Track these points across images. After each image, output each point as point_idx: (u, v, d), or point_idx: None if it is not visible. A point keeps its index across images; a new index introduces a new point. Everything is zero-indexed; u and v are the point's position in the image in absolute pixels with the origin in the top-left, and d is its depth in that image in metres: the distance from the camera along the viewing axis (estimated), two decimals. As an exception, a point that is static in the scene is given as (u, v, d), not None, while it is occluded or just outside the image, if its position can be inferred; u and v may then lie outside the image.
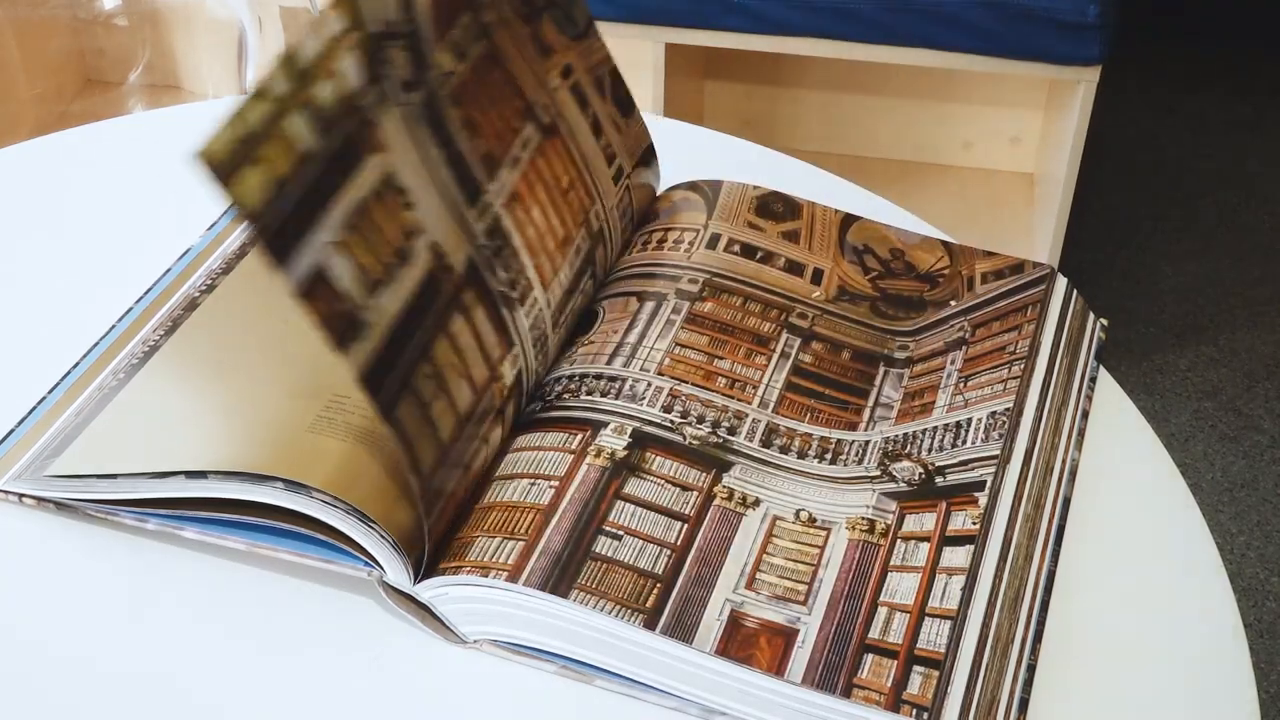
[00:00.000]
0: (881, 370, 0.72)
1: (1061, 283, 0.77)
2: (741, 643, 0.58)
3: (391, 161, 0.57)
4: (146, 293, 0.77)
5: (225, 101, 1.05)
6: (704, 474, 0.65)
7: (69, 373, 0.72)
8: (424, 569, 0.61)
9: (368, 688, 0.60)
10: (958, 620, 0.59)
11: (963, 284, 0.77)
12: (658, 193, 0.84)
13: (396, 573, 0.61)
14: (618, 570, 0.60)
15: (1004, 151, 1.91)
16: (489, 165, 0.63)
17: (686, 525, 0.63)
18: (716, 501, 0.64)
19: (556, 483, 0.63)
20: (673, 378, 0.69)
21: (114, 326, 0.75)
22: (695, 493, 0.64)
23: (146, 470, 0.63)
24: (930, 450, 0.67)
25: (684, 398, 0.68)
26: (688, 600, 0.59)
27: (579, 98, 0.74)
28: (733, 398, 0.69)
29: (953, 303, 0.76)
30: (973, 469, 0.65)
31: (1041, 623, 0.62)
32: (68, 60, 1.83)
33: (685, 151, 0.87)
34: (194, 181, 0.87)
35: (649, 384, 0.69)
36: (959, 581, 0.61)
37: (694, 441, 0.66)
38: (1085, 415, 0.72)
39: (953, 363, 0.72)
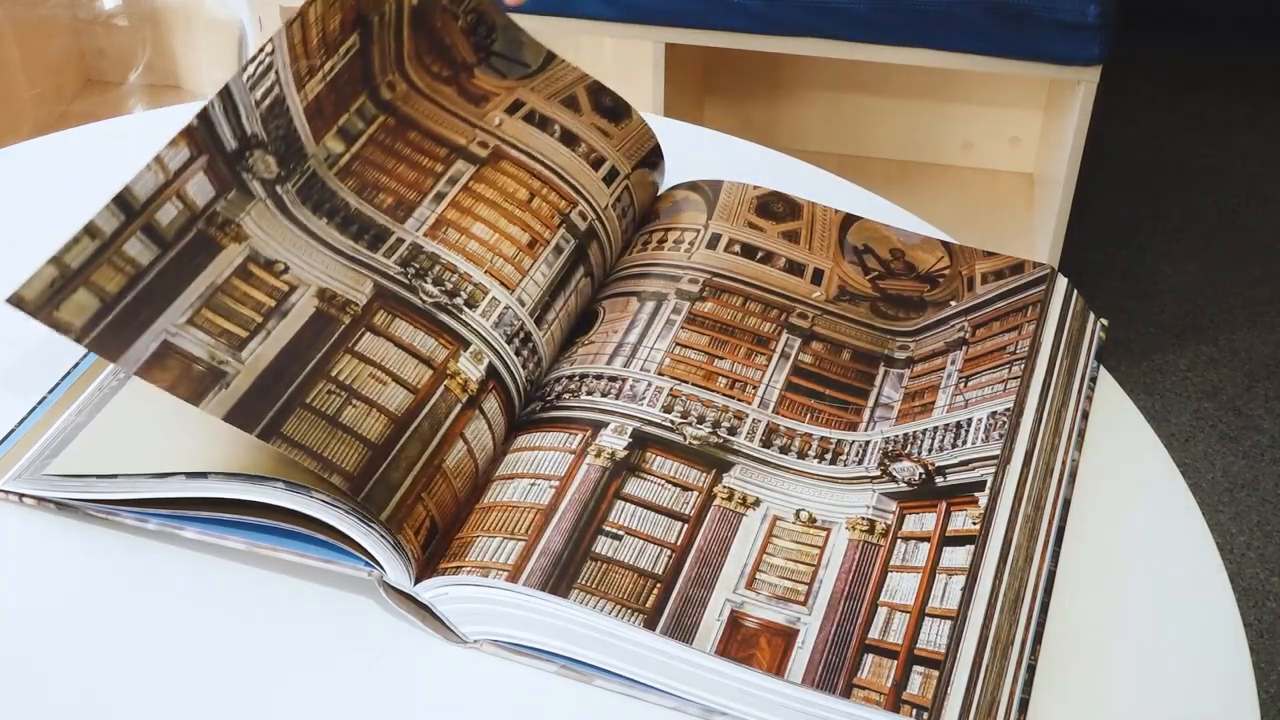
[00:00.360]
0: (882, 370, 0.72)
1: (1062, 283, 0.77)
2: (741, 643, 0.58)
3: (256, 245, 0.65)
4: (147, 293, 0.77)
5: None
6: (704, 474, 0.65)
7: (69, 372, 0.72)
8: (423, 568, 0.61)
9: (368, 688, 0.60)
10: (958, 620, 0.59)
11: (963, 284, 0.77)
12: (660, 193, 0.84)
13: (397, 573, 0.61)
14: (618, 570, 0.60)
15: (1004, 152, 1.91)
16: (399, 211, 0.70)
17: (687, 525, 0.63)
18: (717, 502, 0.64)
19: (557, 483, 0.63)
20: (673, 378, 0.69)
21: (114, 326, 0.75)
22: (695, 493, 0.64)
23: (147, 470, 0.63)
24: (930, 450, 0.67)
25: (684, 398, 0.68)
26: (688, 600, 0.59)
27: (537, 121, 0.78)
28: (733, 398, 0.69)
29: (953, 303, 0.76)
30: (973, 469, 0.65)
31: (1041, 623, 0.62)
32: (68, 60, 1.83)
33: (685, 152, 0.87)
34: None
35: (649, 384, 0.69)
36: (959, 582, 0.61)
37: (694, 442, 0.66)
38: (1085, 415, 0.72)
39: (953, 363, 0.72)
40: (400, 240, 0.70)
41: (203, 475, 0.62)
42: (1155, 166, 2.06)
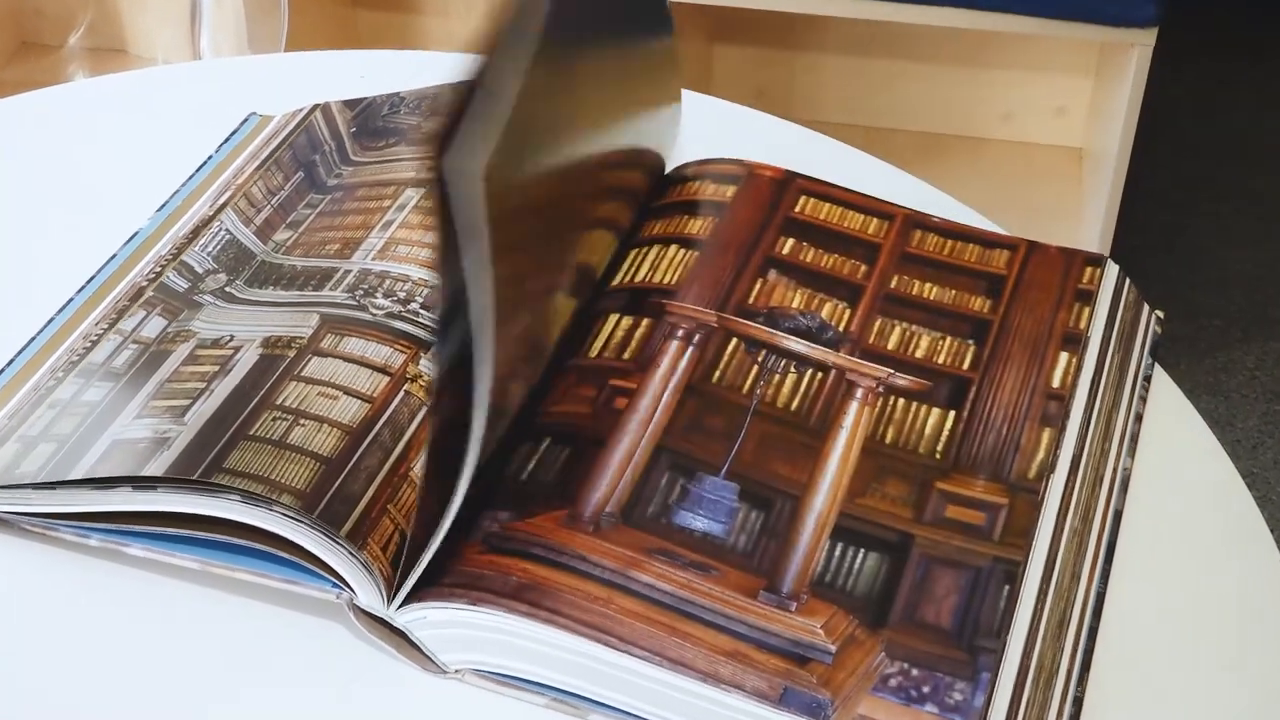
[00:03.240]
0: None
1: (1113, 270, 0.77)
2: None
3: (202, 334, 0.71)
4: (89, 281, 0.77)
5: (177, 67, 1.05)
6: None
7: (1, 371, 0.72)
8: (393, 586, 0.61)
9: (336, 724, 0.60)
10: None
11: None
12: (666, 162, 0.84)
13: (368, 595, 0.61)
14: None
15: (1048, 124, 1.91)
16: (346, 250, 0.75)
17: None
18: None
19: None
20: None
21: (52, 319, 0.75)
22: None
23: (88, 478, 0.63)
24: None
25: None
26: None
27: None
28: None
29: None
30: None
31: (1089, 652, 0.62)
32: (1, 21, 1.82)
33: (692, 124, 0.87)
34: (143, 157, 0.87)
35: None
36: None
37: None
38: (1139, 418, 0.72)
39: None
40: (347, 272, 0.73)
41: (151, 485, 0.62)
42: (1216, 141, 2.06)
